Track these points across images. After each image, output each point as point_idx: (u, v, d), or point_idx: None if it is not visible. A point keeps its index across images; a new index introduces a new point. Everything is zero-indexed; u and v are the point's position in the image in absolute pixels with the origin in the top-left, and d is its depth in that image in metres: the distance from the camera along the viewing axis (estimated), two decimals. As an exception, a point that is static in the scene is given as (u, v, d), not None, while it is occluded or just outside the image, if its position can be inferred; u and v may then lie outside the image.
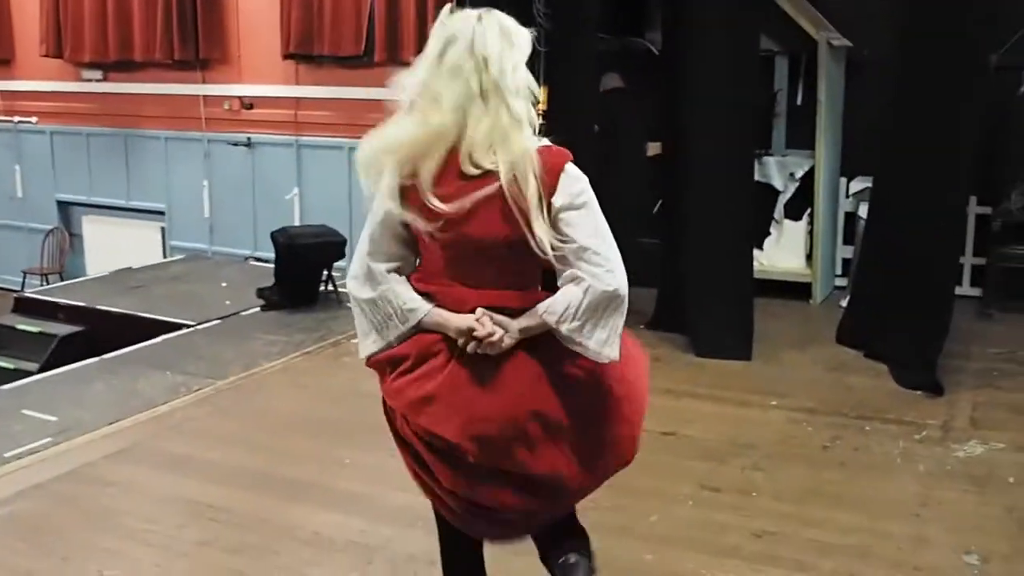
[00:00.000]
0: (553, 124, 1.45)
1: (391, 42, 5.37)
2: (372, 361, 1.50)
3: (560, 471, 1.46)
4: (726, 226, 3.64)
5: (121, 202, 6.71)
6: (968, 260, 4.29)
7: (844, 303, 4.01)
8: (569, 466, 1.47)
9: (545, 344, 1.42)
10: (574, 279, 1.39)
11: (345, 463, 2.69)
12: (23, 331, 4.77)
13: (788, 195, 4.61)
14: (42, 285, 6.39)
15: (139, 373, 3.66)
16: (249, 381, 3.54)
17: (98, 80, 6.66)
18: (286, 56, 5.82)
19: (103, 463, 2.73)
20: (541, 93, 1.42)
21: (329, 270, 4.78)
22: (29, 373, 4.11)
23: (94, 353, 4.01)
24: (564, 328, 1.40)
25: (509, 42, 1.40)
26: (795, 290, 4.38)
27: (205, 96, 6.25)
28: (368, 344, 1.49)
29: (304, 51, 5.74)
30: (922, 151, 3.32)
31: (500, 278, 1.43)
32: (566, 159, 1.40)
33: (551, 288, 1.45)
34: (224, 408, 3.24)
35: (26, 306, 5.12)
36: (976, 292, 4.27)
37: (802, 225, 4.52)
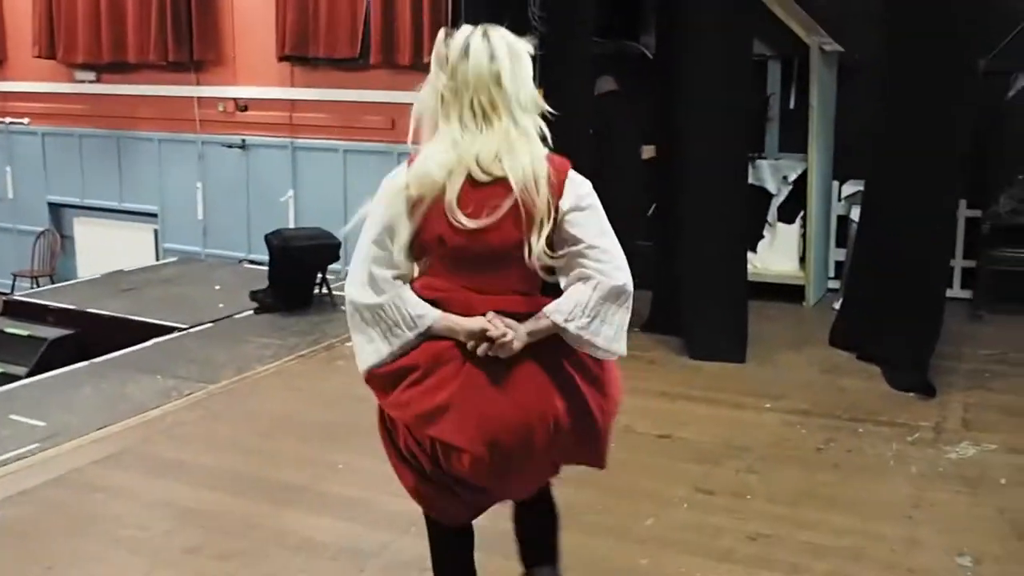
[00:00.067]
0: (548, 128, 1.48)
1: (386, 44, 5.36)
2: (374, 374, 1.48)
3: (541, 484, 1.56)
4: (720, 229, 3.65)
5: (114, 204, 6.67)
6: (959, 263, 4.32)
7: (837, 306, 4.03)
8: (552, 472, 1.55)
9: (549, 348, 1.45)
10: (582, 277, 1.43)
11: (338, 468, 2.67)
12: (12, 334, 4.72)
13: (781, 198, 4.64)
14: (32, 288, 6.35)
15: (129, 377, 3.63)
16: (242, 385, 3.51)
17: (91, 81, 6.63)
18: (281, 58, 5.80)
19: (91, 469, 2.71)
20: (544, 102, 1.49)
21: (323, 273, 4.76)
22: (17, 377, 4.06)
23: (84, 357, 3.97)
24: (573, 327, 1.43)
25: (517, 58, 1.44)
26: (788, 293, 4.40)
27: (199, 98, 6.23)
28: (370, 353, 1.46)
29: (299, 53, 5.73)
30: (913, 154, 3.34)
31: (507, 283, 1.45)
32: (569, 166, 1.46)
33: (547, 295, 1.48)
34: (216, 412, 3.22)
35: (15, 309, 5.08)
36: (967, 294, 4.30)
37: (795, 228, 4.54)
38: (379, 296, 1.44)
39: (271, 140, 6.06)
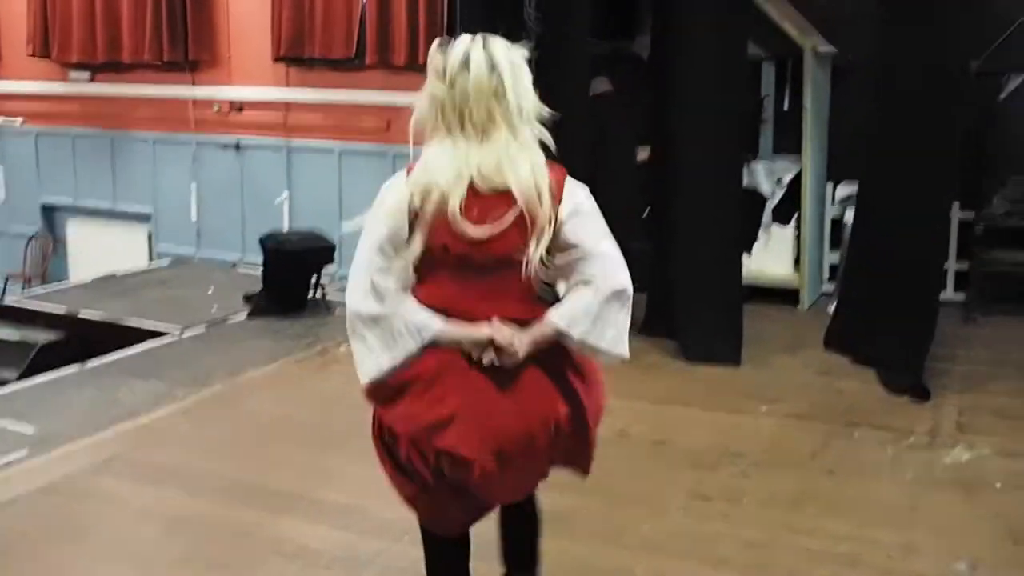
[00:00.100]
0: (547, 130, 1.48)
1: (382, 45, 5.34)
2: (375, 387, 1.47)
3: (533, 488, 1.58)
4: (715, 231, 3.65)
5: (107, 205, 6.63)
6: (952, 265, 4.32)
7: (831, 308, 4.03)
8: (543, 476, 1.57)
9: (548, 353, 1.46)
10: (583, 282, 1.45)
11: (332, 474, 2.65)
12: (1, 339, 4.68)
13: (775, 200, 4.63)
14: (24, 291, 6.30)
15: (121, 382, 3.60)
16: (235, 389, 3.49)
17: (86, 81, 6.58)
18: (277, 59, 5.78)
19: (81, 476, 2.68)
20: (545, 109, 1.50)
21: (318, 275, 4.73)
22: (7, 382, 4.02)
23: (75, 361, 3.93)
24: (577, 331, 1.44)
25: (517, 69, 1.45)
26: (783, 295, 4.40)
27: (194, 99, 6.19)
28: (372, 365, 1.45)
29: (295, 54, 5.71)
30: (905, 155, 3.35)
31: (509, 291, 1.45)
32: (565, 173, 1.48)
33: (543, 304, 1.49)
34: (208, 417, 3.20)
35: (5, 313, 5.03)
36: (960, 297, 4.30)
37: (790, 230, 4.54)
38: (381, 305, 1.43)
39: (266, 141, 6.03)
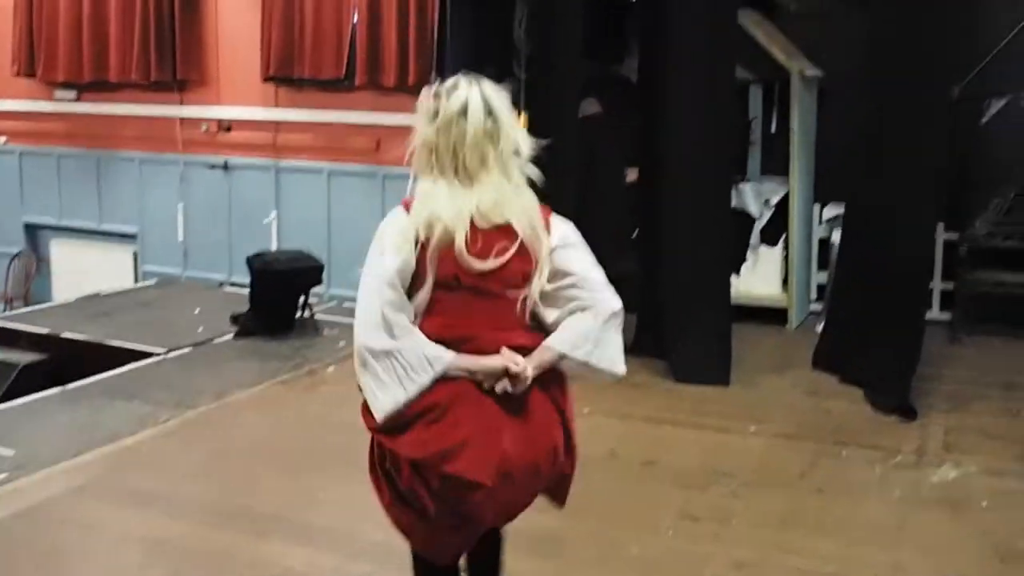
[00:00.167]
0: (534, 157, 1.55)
1: (372, 66, 5.38)
2: (389, 420, 1.47)
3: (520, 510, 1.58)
4: (703, 252, 3.68)
5: (92, 225, 6.57)
6: (937, 285, 4.39)
7: (819, 328, 4.07)
8: (530, 500, 1.58)
9: (544, 380, 1.51)
10: (581, 308, 1.52)
11: (319, 496, 2.62)
12: (-17, 360, 4.60)
13: (763, 221, 4.69)
14: (5, 311, 6.20)
15: (104, 404, 3.54)
16: (220, 411, 3.44)
17: (71, 100, 6.56)
18: (266, 78, 5.79)
19: (62, 500, 2.63)
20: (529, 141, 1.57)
21: (306, 296, 4.71)
22: (-12, 404, 3.94)
23: (58, 383, 3.86)
24: (579, 354, 1.51)
25: (510, 110, 1.53)
26: (771, 316, 4.44)
27: (182, 118, 6.19)
28: (386, 401, 1.46)
29: (284, 74, 5.72)
30: (891, 176, 3.41)
31: (511, 320, 1.51)
32: (550, 210, 1.57)
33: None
34: (193, 440, 3.15)
35: (-13, 333, 4.95)
36: (946, 316, 4.36)
37: (778, 251, 4.59)
38: (393, 340, 1.46)
39: (254, 161, 6.02)
